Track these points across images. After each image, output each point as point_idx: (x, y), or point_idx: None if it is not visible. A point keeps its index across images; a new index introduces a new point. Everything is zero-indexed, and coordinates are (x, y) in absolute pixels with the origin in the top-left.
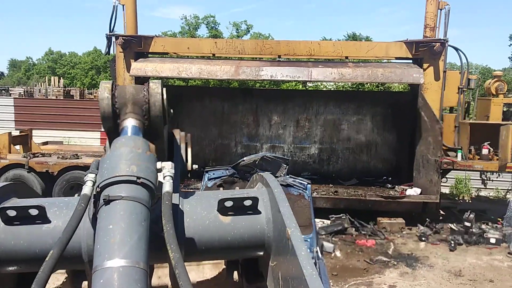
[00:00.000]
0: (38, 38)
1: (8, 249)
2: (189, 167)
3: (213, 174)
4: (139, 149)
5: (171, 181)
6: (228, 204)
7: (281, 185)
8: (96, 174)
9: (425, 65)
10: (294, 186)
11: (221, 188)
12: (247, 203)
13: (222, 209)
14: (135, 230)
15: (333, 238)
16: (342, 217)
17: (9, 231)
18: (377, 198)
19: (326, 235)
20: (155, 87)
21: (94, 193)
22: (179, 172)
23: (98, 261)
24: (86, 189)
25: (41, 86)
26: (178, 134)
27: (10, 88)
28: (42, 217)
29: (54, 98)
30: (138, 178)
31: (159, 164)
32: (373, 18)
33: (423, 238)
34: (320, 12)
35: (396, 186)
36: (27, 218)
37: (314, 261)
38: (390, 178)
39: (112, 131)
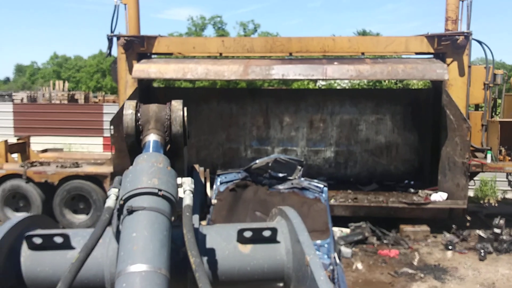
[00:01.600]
0: (44, 42)
1: (34, 275)
2: (208, 202)
3: (225, 177)
4: (160, 163)
5: (191, 195)
6: (247, 234)
7: (296, 188)
8: (118, 189)
9: (448, 60)
10: (310, 190)
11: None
12: (266, 233)
13: (242, 239)
14: (157, 238)
15: (354, 248)
16: (362, 225)
17: (35, 258)
18: (400, 205)
19: (346, 245)
20: (177, 104)
21: (118, 206)
22: (199, 203)
23: (121, 267)
24: (110, 202)
25: (45, 90)
26: (197, 168)
27: (13, 93)
28: (67, 245)
29: (58, 102)
30: (159, 190)
31: (179, 180)
32: (379, 14)
33: (450, 247)
34: (325, 10)
35: (420, 191)
36: (52, 246)
37: (332, 267)
38: (413, 182)
39: (135, 146)
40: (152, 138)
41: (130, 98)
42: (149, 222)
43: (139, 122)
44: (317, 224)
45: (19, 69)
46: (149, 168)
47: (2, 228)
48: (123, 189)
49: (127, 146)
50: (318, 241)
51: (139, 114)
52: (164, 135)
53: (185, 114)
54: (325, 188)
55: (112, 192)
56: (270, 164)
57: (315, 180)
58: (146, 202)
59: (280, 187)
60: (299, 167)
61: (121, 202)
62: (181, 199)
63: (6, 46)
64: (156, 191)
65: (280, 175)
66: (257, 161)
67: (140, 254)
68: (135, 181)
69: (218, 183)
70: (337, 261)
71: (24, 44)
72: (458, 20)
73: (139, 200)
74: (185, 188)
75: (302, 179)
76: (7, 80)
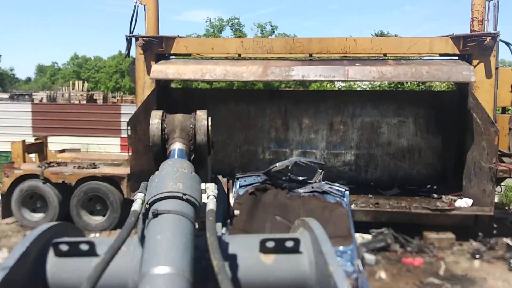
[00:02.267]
0: (64, 43)
1: (59, 282)
2: (231, 212)
3: (244, 181)
4: (185, 169)
5: (215, 200)
6: (270, 244)
7: (317, 192)
8: (144, 194)
9: (474, 62)
10: (331, 194)
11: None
12: (289, 244)
13: (264, 249)
14: (181, 241)
15: (376, 256)
16: (385, 231)
17: (61, 265)
18: (423, 211)
19: (368, 252)
20: (201, 114)
21: (143, 211)
22: (222, 213)
23: (145, 269)
24: (136, 206)
25: (64, 90)
26: (220, 179)
27: (33, 93)
28: (92, 252)
29: (77, 102)
30: (184, 194)
31: (203, 185)
32: (396, 16)
33: (477, 256)
34: (343, 12)
35: (443, 197)
36: (78, 253)
37: (355, 274)
38: (435, 187)
39: (160, 155)
40: (177, 146)
41: (148, 98)
42: (174, 225)
43: (165, 131)
44: (339, 230)
45: (40, 69)
46: (174, 173)
47: (30, 235)
48: (148, 194)
49: (153, 154)
50: (341, 247)
51: (165, 124)
52: (188, 144)
53: (209, 123)
54: (347, 192)
55: (138, 197)
56: (290, 168)
57: (336, 184)
58: (171, 206)
59: (301, 190)
60: (320, 171)
61: (147, 206)
62: (204, 204)
63: (28, 46)
64: (181, 195)
65: (300, 178)
66: (277, 164)
67: (164, 256)
68: (160, 185)
69: (238, 187)
70: (361, 268)
71: (45, 45)
72: (484, 21)
73: (164, 204)
74: (209, 193)
75: (323, 182)
76: (28, 80)
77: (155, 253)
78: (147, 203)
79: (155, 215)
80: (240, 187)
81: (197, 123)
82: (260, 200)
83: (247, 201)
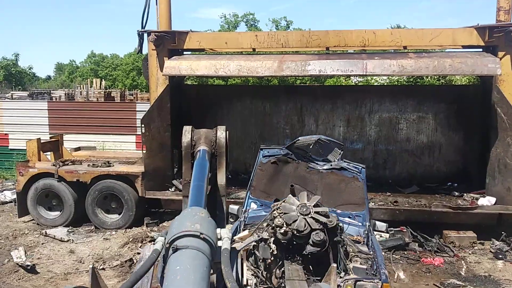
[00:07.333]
0: (82, 41)
1: None
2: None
3: (268, 152)
4: (202, 214)
5: (229, 241)
6: None
7: (335, 169)
8: (165, 237)
9: (500, 54)
10: (348, 170)
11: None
12: None
13: None
14: (198, 271)
15: (394, 255)
16: (403, 230)
17: None
18: (444, 209)
19: (384, 251)
20: (221, 128)
21: (164, 252)
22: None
23: None
24: (157, 245)
25: (82, 88)
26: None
27: (52, 91)
28: None
29: (95, 100)
30: (201, 234)
31: (218, 230)
32: (413, 12)
33: (500, 256)
34: (358, 8)
35: (465, 194)
36: None
37: (366, 232)
38: (456, 184)
39: (189, 156)
40: (202, 148)
41: (161, 95)
42: (191, 258)
43: (193, 139)
44: (353, 199)
45: (59, 68)
46: (193, 216)
47: None
48: (169, 234)
49: (183, 155)
50: (354, 212)
51: (193, 133)
52: (211, 148)
53: (228, 137)
54: (363, 170)
55: (159, 240)
56: (311, 146)
57: (354, 163)
58: (189, 242)
59: (319, 167)
60: (339, 151)
61: (167, 245)
62: (219, 247)
63: (47, 45)
64: (198, 234)
65: (320, 159)
66: (300, 138)
67: (183, 282)
68: (180, 226)
69: (261, 156)
70: (372, 230)
71: (63, 43)
72: (511, 10)
73: (183, 241)
74: (223, 236)
75: (342, 161)
76: (48, 78)
77: (175, 279)
78: (167, 242)
79: (175, 250)
80: (264, 156)
81: (218, 131)
82: (281, 170)
83: (269, 168)
